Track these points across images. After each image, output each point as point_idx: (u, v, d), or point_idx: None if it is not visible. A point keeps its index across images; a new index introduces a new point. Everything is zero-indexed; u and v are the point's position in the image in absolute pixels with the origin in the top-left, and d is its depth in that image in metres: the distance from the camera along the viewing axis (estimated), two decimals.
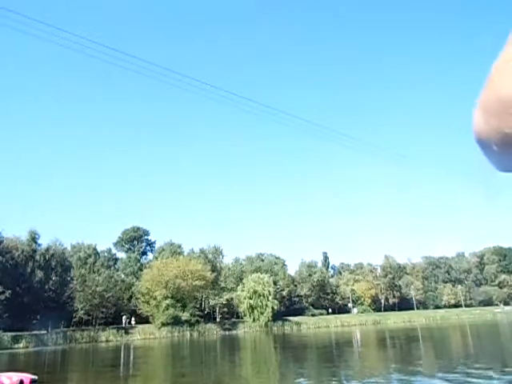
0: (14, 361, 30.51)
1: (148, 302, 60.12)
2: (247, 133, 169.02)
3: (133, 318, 60.85)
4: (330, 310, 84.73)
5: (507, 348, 25.49)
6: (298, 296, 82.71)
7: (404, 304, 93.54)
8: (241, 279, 72.51)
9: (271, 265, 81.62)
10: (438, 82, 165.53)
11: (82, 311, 58.62)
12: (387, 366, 18.54)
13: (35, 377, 16.32)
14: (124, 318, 60.49)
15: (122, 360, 29.67)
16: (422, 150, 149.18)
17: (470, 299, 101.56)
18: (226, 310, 73.30)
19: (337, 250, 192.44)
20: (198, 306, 65.85)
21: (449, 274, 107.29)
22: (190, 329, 59.01)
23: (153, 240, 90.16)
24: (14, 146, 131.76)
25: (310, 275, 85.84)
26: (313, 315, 77.52)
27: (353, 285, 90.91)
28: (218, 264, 77.36)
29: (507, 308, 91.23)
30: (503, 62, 0.52)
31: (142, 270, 71.51)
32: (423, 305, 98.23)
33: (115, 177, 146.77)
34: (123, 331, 55.65)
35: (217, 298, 70.79)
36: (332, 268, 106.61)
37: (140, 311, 61.40)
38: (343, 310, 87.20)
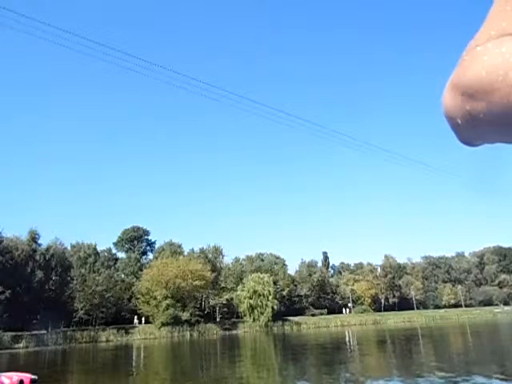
0: (14, 361, 30.50)
1: (148, 302, 60.08)
2: (247, 132, 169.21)
3: (142, 319, 61.11)
4: (329, 310, 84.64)
5: (507, 348, 25.48)
6: (298, 296, 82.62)
7: (404, 304, 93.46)
8: (241, 279, 72.44)
9: (271, 265, 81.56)
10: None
11: (82, 311, 58.61)
12: (385, 366, 18.54)
13: (35, 377, 16.32)
14: (136, 317, 61.14)
15: (121, 360, 29.65)
16: (422, 150, 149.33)
17: (470, 299, 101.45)
18: (226, 309, 73.23)
19: (337, 249, 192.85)
20: (198, 305, 65.76)
21: (449, 274, 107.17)
22: (190, 329, 58.99)
23: (153, 240, 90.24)
24: (13, 146, 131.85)
25: (310, 275, 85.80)
26: (313, 315, 77.49)
27: (353, 285, 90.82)
28: (218, 264, 77.30)
29: (507, 308, 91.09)
30: (473, 46, 0.55)
31: (142, 269, 71.45)
32: (423, 305, 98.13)
33: (115, 176, 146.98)
34: (123, 331, 55.64)
35: (217, 297, 70.74)
36: (332, 268, 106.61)
37: (140, 311, 61.40)
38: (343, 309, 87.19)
